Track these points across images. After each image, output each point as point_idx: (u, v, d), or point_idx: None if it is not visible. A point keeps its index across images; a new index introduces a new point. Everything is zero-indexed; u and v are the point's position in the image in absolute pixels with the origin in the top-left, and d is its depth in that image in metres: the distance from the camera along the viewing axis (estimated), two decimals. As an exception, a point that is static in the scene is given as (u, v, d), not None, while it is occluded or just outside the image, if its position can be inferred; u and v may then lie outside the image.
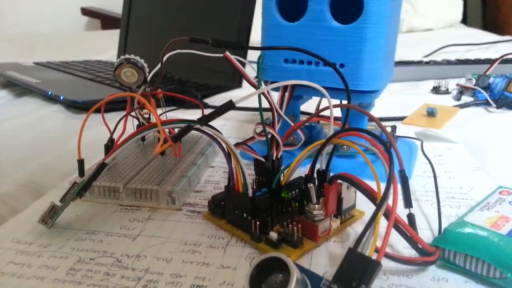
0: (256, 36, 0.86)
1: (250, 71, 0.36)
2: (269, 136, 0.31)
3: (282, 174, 0.30)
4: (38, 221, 0.29)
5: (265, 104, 0.31)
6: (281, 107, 0.35)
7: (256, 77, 0.34)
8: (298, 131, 0.36)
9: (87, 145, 0.34)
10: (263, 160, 0.30)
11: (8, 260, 0.27)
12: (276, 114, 0.31)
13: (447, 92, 0.70)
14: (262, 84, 0.37)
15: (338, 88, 0.35)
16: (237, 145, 0.31)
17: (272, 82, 0.37)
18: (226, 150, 0.28)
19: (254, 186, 0.31)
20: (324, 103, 0.36)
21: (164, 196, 0.33)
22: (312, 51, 0.34)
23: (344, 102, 0.40)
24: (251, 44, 0.79)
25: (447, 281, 0.24)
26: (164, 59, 0.34)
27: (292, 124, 0.34)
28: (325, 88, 0.33)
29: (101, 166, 0.29)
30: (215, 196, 0.31)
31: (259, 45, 0.37)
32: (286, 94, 0.35)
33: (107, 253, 0.27)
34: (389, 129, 0.42)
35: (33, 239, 0.29)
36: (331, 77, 0.35)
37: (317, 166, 0.29)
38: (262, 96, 0.31)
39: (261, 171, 0.31)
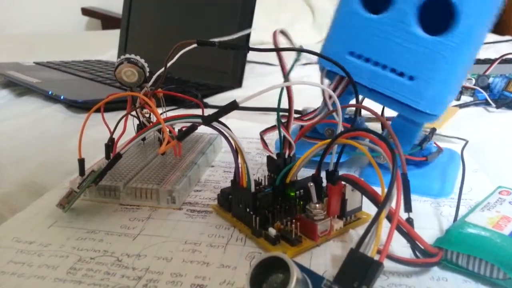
0: (256, 36, 0.86)
1: (250, 71, 0.36)
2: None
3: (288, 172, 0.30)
4: (57, 205, 0.31)
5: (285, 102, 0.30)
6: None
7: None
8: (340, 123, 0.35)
9: (87, 144, 0.34)
10: (275, 157, 0.30)
11: (8, 259, 0.27)
12: (293, 114, 0.30)
13: (447, 92, 0.70)
14: (258, 85, 0.36)
15: (401, 102, 0.32)
16: (263, 132, 0.32)
17: (329, 72, 0.35)
18: (234, 146, 0.29)
19: (266, 183, 0.31)
20: (367, 101, 0.35)
21: (165, 196, 0.33)
22: (385, 53, 0.32)
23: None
24: (250, 44, 0.79)
25: (446, 281, 0.24)
26: (170, 63, 0.34)
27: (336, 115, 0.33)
28: (389, 98, 0.30)
29: (116, 157, 0.30)
30: (223, 190, 0.32)
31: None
32: (340, 86, 0.33)
33: (108, 252, 0.27)
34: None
35: (34, 238, 0.29)
36: (395, 87, 0.32)
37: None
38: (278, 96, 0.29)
39: (272, 168, 0.31)
